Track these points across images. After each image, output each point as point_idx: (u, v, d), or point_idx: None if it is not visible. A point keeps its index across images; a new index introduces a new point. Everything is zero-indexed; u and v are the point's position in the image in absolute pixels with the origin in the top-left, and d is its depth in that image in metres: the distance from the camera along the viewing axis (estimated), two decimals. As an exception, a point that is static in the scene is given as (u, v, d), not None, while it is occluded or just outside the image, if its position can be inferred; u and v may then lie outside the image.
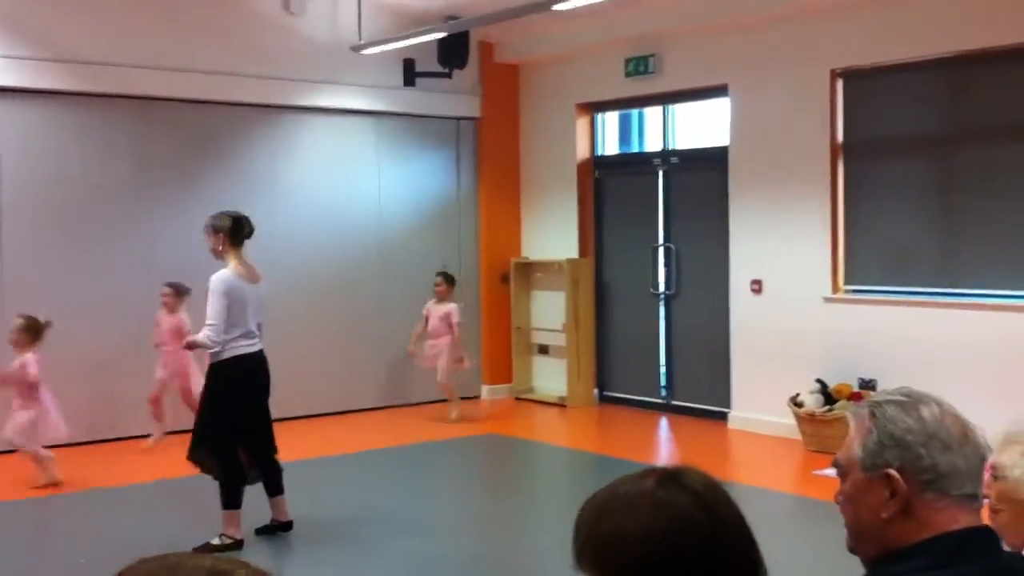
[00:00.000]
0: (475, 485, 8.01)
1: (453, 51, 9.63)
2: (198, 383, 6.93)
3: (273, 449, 6.04)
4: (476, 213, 10.70)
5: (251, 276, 5.90)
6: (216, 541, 5.65)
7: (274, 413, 8.93)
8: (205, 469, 5.87)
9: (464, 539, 6.32)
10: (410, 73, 9.70)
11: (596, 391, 10.41)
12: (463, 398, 10.38)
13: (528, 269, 10.86)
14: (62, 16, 8.26)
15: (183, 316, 8.12)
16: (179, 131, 8.94)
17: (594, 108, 10.44)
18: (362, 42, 9.34)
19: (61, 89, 8.31)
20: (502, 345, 10.74)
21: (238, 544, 5.68)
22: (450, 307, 9.35)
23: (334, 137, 9.81)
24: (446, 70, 9.77)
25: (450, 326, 9.32)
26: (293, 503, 6.13)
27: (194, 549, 5.46)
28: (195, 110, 8.98)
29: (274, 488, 5.98)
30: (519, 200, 10.91)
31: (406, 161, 10.25)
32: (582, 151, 10.41)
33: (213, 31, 8.96)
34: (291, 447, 8.32)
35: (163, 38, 8.69)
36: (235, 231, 5.82)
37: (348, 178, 9.87)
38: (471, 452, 8.82)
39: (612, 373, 10.46)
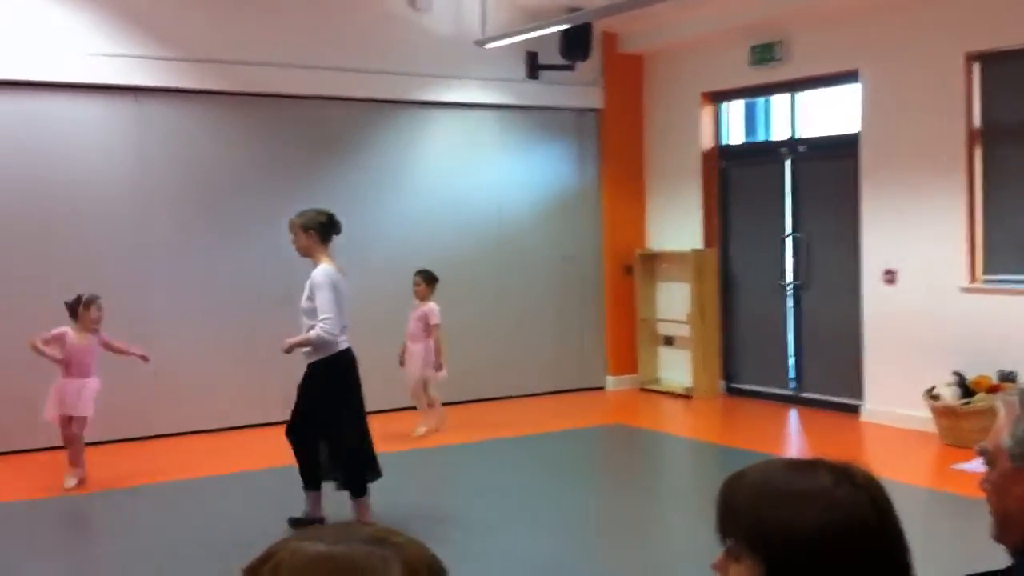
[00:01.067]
0: (600, 477, 8.00)
1: (576, 43, 9.64)
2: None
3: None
4: (599, 204, 10.69)
5: (342, 272, 5.96)
6: None
7: (392, 402, 9.23)
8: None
9: (584, 533, 6.34)
10: (533, 66, 9.75)
11: (722, 383, 10.30)
12: (588, 388, 10.43)
13: (653, 260, 10.80)
14: (196, 18, 8.57)
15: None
16: (306, 128, 9.19)
17: (719, 97, 10.31)
18: (485, 36, 9.43)
19: (197, 88, 8.63)
20: (627, 336, 10.72)
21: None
22: (428, 307, 8.44)
23: (458, 131, 9.94)
24: (569, 62, 9.79)
25: (427, 328, 8.44)
26: (412, 491, 6.21)
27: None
28: (321, 107, 9.22)
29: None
30: (643, 191, 10.85)
31: (529, 153, 10.31)
32: (707, 141, 10.29)
33: (340, 29, 9.17)
34: (403, 439, 8.51)
35: (291, 37, 8.94)
36: (327, 229, 5.87)
37: (472, 171, 9.99)
38: (596, 443, 8.83)
39: (739, 364, 10.32)
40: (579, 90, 10.34)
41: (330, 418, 5.80)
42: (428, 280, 8.50)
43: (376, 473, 6.01)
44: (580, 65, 9.91)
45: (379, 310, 9.42)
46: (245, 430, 8.83)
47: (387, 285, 9.50)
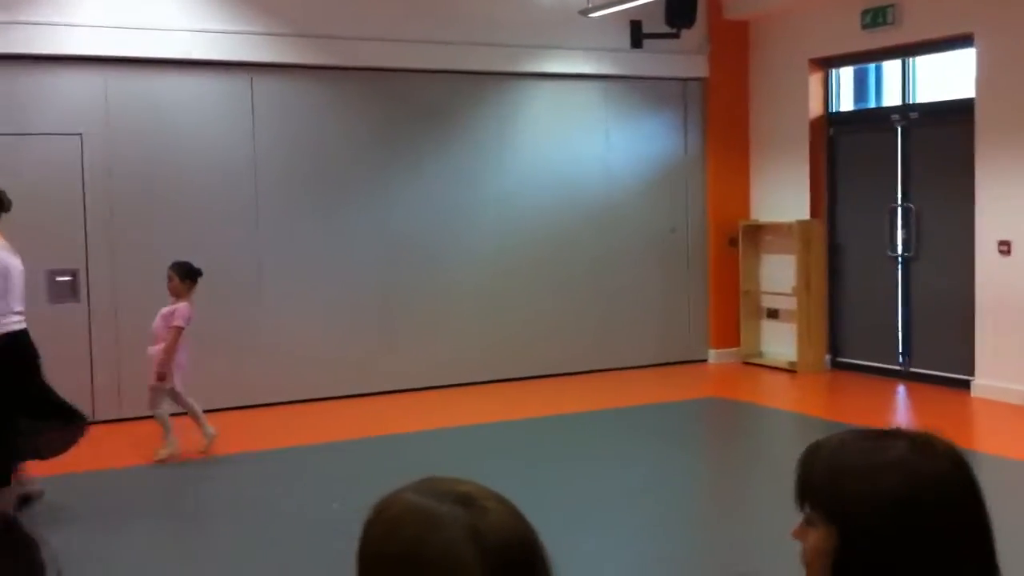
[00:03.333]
0: (699, 448, 7.97)
1: (680, 10, 9.50)
2: None
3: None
4: (704, 175, 10.57)
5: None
6: None
7: (498, 374, 9.33)
8: None
9: (682, 505, 6.33)
10: (637, 35, 9.65)
11: (828, 357, 10.11)
12: (691, 361, 10.35)
13: (757, 231, 10.64)
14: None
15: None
16: (412, 102, 9.29)
17: (827, 63, 10.06)
18: (589, 5, 9.37)
19: (307, 63, 8.81)
20: (729, 309, 10.60)
21: None
22: (178, 306, 7.00)
23: (562, 102, 9.92)
24: (673, 30, 9.66)
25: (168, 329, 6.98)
26: (511, 465, 6.30)
27: None
28: (426, 80, 9.31)
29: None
30: (748, 161, 10.68)
31: (633, 124, 10.24)
32: (815, 108, 10.07)
33: (442, 2, 9.23)
34: (509, 408, 8.62)
35: (397, 11, 9.04)
36: None
37: (576, 142, 9.97)
38: (694, 415, 8.78)
39: (845, 338, 10.12)
40: (684, 59, 10.21)
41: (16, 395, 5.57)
42: (183, 274, 7.10)
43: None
44: (685, 33, 9.76)
45: (483, 284, 9.55)
46: (352, 399, 9.03)
47: (490, 259, 9.60)
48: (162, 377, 6.88)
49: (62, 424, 5.77)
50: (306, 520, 5.73)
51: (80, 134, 8.17)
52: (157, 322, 7.01)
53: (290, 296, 8.90)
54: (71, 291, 8.20)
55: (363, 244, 9.16)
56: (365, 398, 9.04)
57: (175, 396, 7.05)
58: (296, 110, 8.90)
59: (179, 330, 6.89)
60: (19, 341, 5.57)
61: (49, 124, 8.10)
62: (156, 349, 6.94)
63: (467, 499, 1.23)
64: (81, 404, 7.97)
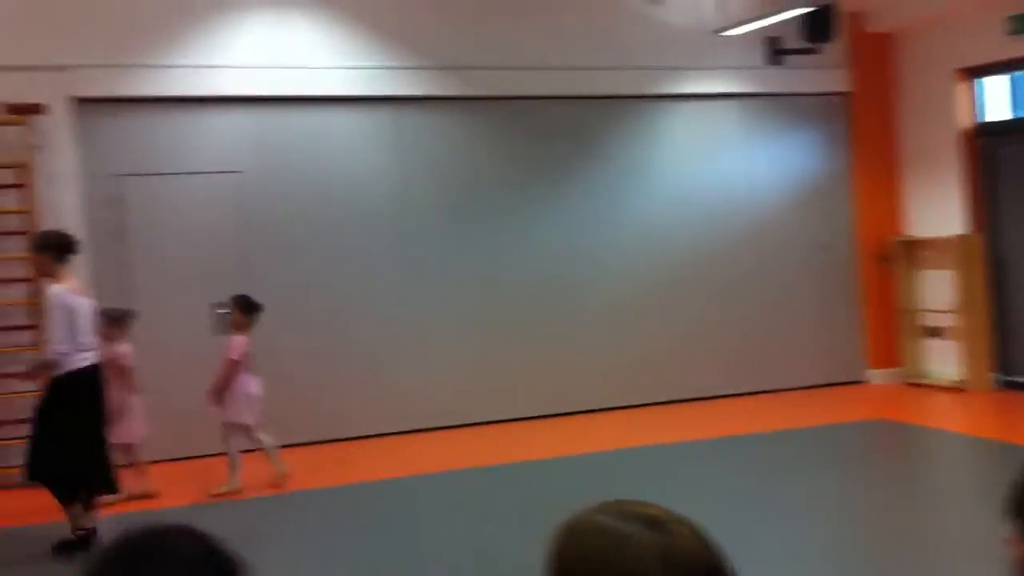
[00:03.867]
0: (869, 472, 7.49)
1: (819, 25, 9.39)
2: None
3: None
4: (849, 190, 10.30)
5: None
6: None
7: (646, 398, 9.21)
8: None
9: (856, 530, 6.04)
10: (774, 51, 9.58)
11: (995, 375, 9.61)
12: (846, 383, 9.99)
13: (913, 247, 10.27)
14: (446, 27, 8.98)
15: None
16: (551, 128, 9.40)
17: (975, 72, 9.74)
18: (723, 24, 9.36)
19: (449, 95, 9.02)
20: (887, 327, 10.21)
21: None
22: (233, 339, 7.12)
23: (699, 123, 9.88)
24: (812, 45, 9.54)
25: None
26: (668, 490, 6.14)
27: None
28: (564, 106, 9.41)
29: None
30: (897, 175, 10.36)
31: (774, 142, 10.10)
32: (964, 119, 9.73)
33: (579, 28, 9.35)
34: (660, 432, 8.44)
35: (534, 40, 9.20)
36: (62, 249, 5.86)
37: (716, 162, 9.89)
38: (861, 438, 8.37)
39: (1014, 356, 9.60)
40: (824, 74, 10.05)
41: (63, 430, 5.79)
42: (244, 308, 7.17)
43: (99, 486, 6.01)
44: (824, 48, 9.64)
45: (627, 307, 9.51)
46: (498, 424, 9.03)
47: (634, 282, 9.55)
48: (218, 402, 7.00)
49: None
50: (464, 541, 5.68)
51: (239, 171, 8.53)
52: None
53: (436, 324, 9.01)
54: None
55: (507, 271, 9.23)
56: (512, 423, 9.01)
57: (247, 432, 7.06)
58: (440, 141, 9.10)
59: (232, 363, 6.97)
60: (85, 378, 5.85)
61: (210, 163, 8.48)
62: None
63: (655, 521, 1.23)
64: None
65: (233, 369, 6.98)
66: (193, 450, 8.20)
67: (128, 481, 6.83)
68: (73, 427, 5.77)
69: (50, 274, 5.83)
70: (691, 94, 9.75)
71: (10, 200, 7.82)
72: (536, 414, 9.14)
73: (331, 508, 6.57)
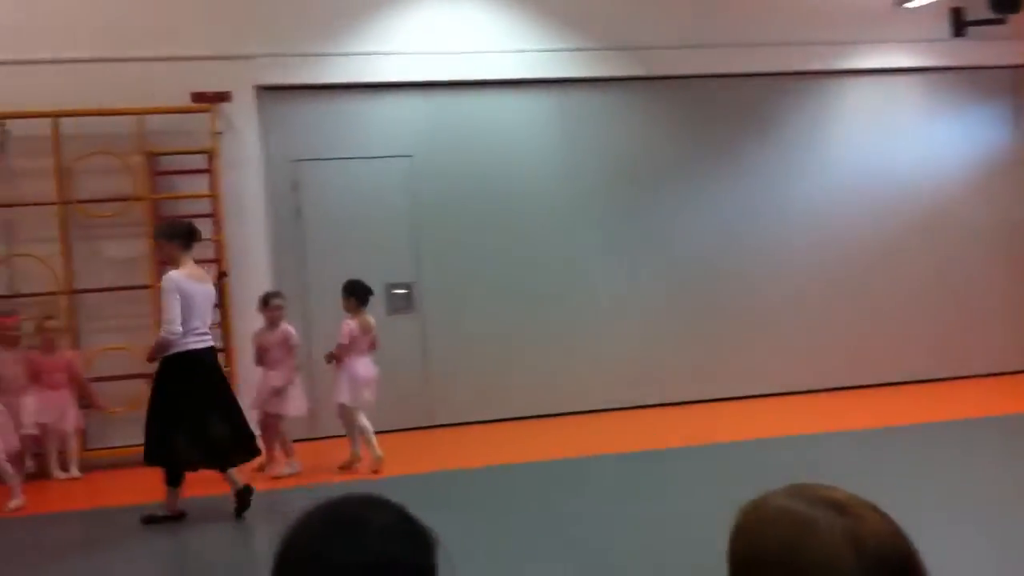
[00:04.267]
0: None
1: (1006, -6, 8.91)
2: None
3: None
4: (1040, 167, 9.80)
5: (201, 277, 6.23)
6: None
7: (824, 383, 8.94)
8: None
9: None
10: (958, 23, 9.13)
11: None
12: None
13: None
14: (613, 6, 8.88)
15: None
16: (720, 107, 9.22)
17: None
18: (905, -4, 8.99)
19: (616, 76, 8.93)
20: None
21: None
22: (344, 324, 7.28)
23: (878, 98, 9.52)
24: (998, 16, 9.06)
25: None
26: (854, 479, 5.89)
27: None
28: (735, 84, 9.21)
29: None
30: (1092, 149, 9.79)
31: (959, 117, 9.66)
32: None
33: (749, 4, 9.12)
34: (839, 418, 8.20)
35: (698, 19, 9.02)
36: (185, 238, 6.14)
37: (895, 139, 9.53)
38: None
39: None
40: (1013, 45, 9.55)
41: (179, 409, 6.01)
42: (348, 292, 7.34)
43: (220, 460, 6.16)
44: (1011, 18, 9.14)
45: (803, 290, 9.29)
46: (674, 406, 8.96)
47: (810, 263, 9.32)
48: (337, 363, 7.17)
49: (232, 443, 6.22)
50: (628, 522, 5.65)
51: (410, 156, 8.66)
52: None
53: (605, 303, 8.99)
54: (406, 303, 8.65)
55: (677, 251, 9.13)
56: (687, 406, 8.94)
57: (344, 411, 7.21)
58: (606, 122, 9.04)
59: (343, 347, 7.14)
60: (196, 359, 6.07)
61: (382, 147, 8.64)
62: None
63: (841, 506, 1.22)
64: (411, 409, 8.44)
65: (344, 352, 7.16)
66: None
67: (279, 458, 7.25)
68: (182, 408, 5.99)
69: (174, 261, 6.13)
70: (868, 69, 9.40)
71: (196, 185, 8.12)
72: (711, 397, 9.05)
73: (531, 481, 6.62)
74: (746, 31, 9.07)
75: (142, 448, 6.09)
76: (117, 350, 7.85)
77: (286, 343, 7.22)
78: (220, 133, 8.08)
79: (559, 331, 8.88)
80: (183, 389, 5.98)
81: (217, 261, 7.96)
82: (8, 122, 7.79)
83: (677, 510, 5.76)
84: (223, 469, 6.20)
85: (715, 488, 6.09)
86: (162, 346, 5.99)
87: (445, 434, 8.46)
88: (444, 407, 8.69)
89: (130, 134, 7.83)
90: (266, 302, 7.27)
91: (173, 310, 5.92)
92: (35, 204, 7.71)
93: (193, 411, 6.00)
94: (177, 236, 6.13)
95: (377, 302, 8.52)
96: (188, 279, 6.05)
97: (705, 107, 9.21)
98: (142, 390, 7.50)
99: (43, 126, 7.71)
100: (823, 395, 9.15)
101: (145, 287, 7.83)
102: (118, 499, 6.81)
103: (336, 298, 8.51)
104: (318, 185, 8.54)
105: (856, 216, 9.39)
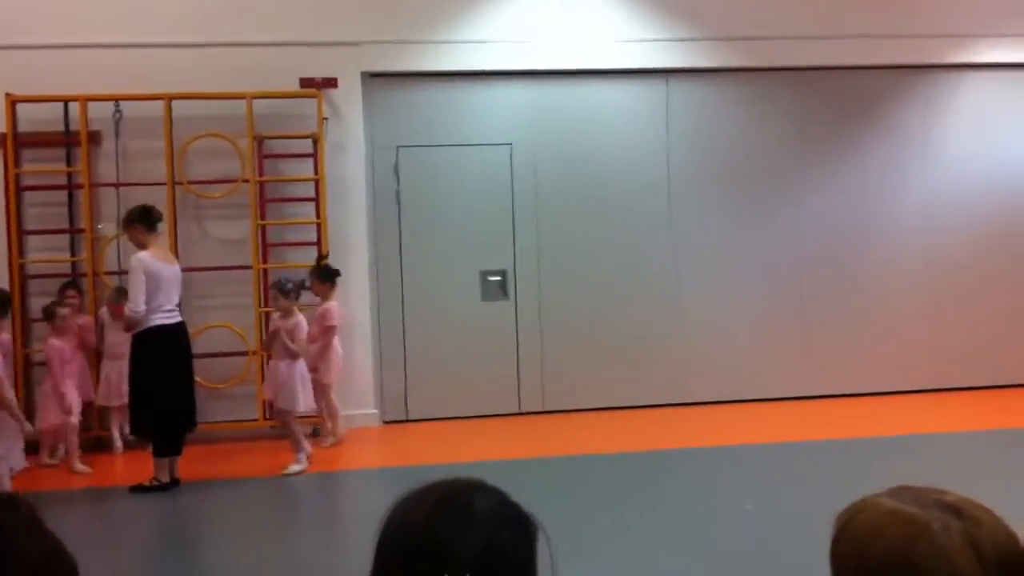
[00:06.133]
0: None
1: None
2: None
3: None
4: None
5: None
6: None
7: (927, 383, 8.65)
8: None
9: None
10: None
11: None
12: None
13: None
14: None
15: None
16: (828, 99, 9.00)
17: None
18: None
19: (722, 67, 8.79)
20: None
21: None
22: (328, 307, 7.64)
23: (995, 94, 9.16)
24: None
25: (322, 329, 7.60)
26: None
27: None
28: (848, 76, 8.98)
29: None
30: None
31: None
32: None
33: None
34: (942, 420, 7.96)
35: (812, 8, 8.79)
36: (148, 221, 6.45)
37: (1016, 137, 9.16)
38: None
39: None
40: None
41: (152, 381, 6.39)
42: (320, 277, 7.61)
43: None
44: None
45: (907, 288, 9.04)
46: (766, 403, 8.83)
47: (917, 261, 9.06)
48: (315, 370, 7.43)
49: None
50: (719, 517, 5.59)
51: (510, 144, 8.68)
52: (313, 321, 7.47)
53: (704, 296, 8.90)
54: (501, 290, 8.70)
55: (779, 245, 8.98)
56: (780, 402, 8.79)
57: (324, 391, 7.56)
58: (709, 112, 8.92)
59: (332, 328, 7.52)
60: (163, 334, 6.42)
61: (482, 135, 8.68)
62: (313, 347, 7.43)
63: (956, 508, 1.19)
64: (502, 396, 8.51)
65: (332, 335, 7.55)
66: (457, 411, 8.54)
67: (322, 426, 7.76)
68: (154, 379, 6.36)
69: (141, 244, 6.46)
70: (987, 63, 9.04)
71: (301, 169, 8.29)
72: (805, 394, 8.89)
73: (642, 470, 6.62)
74: (862, 23, 8.80)
75: (241, 423, 6.34)
76: (220, 327, 8.09)
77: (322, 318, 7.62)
78: (327, 119, 8.23)
79: (656, 322, 8.82)
80: (154, 362, 6.38)
81: (318, 243, 8.12)
82: (122, 104, 8.09)
83: (790, 508, 5.68)
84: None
85: (780, 487, 6.00)
86: (130, 322, 6.40)
87: (536, 421, 8.49)
88: (537, 395, 8.72)
89: (239, 117, 8.03)
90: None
91: (137, 290, 6.30)
92: (146, 184, 7.98)
93: (165, 381, 6.41)
94: (136, 220, 6.49)
95: (471, 288, 8.61)
96: (154, 260, 6.43)
97: (815, 99, 9.00)
98: (245, 367, 7.78)
99: (155, 108, 7.96)
100: (927, 395, 8.89)
101: (249, 267, 8.04)
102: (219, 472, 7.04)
103: (433, 281, 8.61)
104: (418, 171, 8.64)
105: (972, 214, 9.14)
